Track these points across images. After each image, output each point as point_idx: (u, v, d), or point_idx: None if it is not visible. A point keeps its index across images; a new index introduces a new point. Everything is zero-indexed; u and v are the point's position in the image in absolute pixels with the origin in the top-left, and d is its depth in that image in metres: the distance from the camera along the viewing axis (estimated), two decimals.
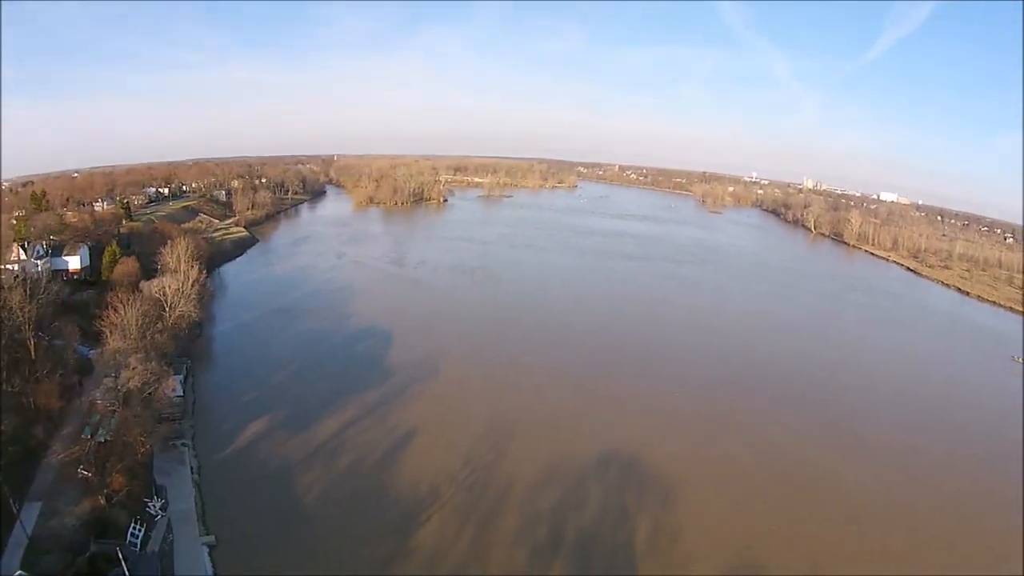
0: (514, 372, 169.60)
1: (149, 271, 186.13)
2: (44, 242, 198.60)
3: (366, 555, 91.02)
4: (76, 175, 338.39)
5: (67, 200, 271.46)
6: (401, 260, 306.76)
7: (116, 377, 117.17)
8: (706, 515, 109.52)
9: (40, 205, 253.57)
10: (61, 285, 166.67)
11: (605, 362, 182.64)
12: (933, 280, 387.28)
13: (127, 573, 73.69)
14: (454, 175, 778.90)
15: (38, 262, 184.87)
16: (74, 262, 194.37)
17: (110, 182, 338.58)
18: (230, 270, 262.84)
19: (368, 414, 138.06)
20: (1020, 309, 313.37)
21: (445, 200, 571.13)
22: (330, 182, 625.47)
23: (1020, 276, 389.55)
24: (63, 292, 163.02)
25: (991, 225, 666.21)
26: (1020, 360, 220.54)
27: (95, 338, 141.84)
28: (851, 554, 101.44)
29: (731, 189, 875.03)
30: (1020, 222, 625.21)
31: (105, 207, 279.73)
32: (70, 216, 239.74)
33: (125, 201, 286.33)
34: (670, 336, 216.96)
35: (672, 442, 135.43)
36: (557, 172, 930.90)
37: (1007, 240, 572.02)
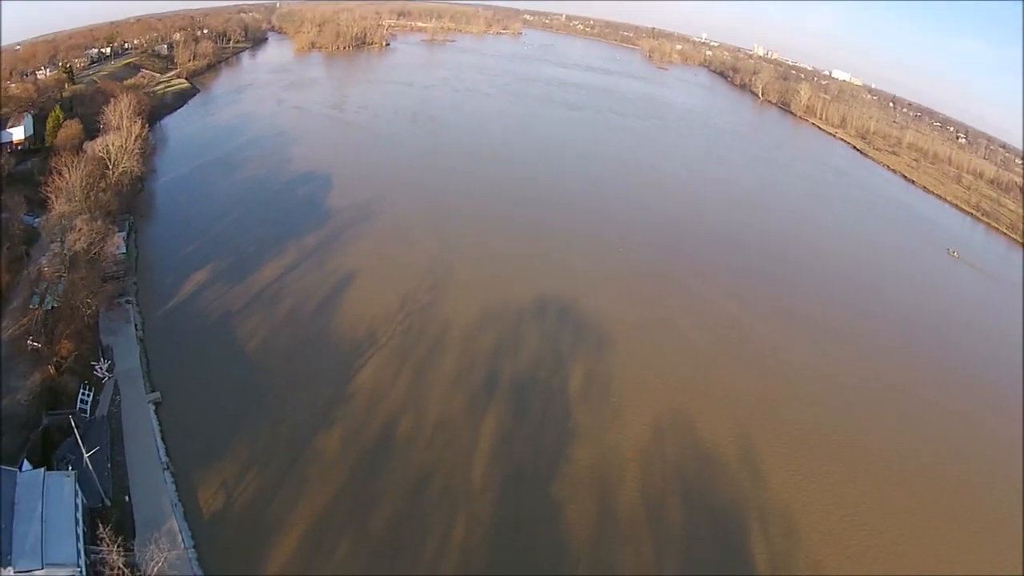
0: (454, 219, 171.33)
1: (92, 132, 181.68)
2: None
3: (306, 401, 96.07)
4: (19, 47, 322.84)
5: (10, 73, 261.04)
6: (341, 105, 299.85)
7: (62, 242, 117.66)
8: (639, 367, 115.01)
9: None
10: (6, 157, 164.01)
11: (547, 213, 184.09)
12: (879, 163, 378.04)
13: (79, 441, 76.38)
14: (397, 19, 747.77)
15: None
16: (18, 133, 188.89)
17: (53, 49, 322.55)
18: (171, 122, 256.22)
19: (307, 259, 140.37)
20: (966, 208, 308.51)
21: (387, 44, 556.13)
22: (272, 29, 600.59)
23: (969, 177, 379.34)
24: (8, 164, 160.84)
25: (944, 122, 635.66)
26: (955, 254, 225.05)
27: (41, 206, 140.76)
28: (780, 416, 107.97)
29: (679, 47, 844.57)
30: (974, 124, 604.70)
31: (48, 74, 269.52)
32: (14, 88, 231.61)
33: (67, 65, 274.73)
34: (615, 192, 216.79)
35: (609, 295, 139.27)
36: (502, 19, 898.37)
37: (959, 139, 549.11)
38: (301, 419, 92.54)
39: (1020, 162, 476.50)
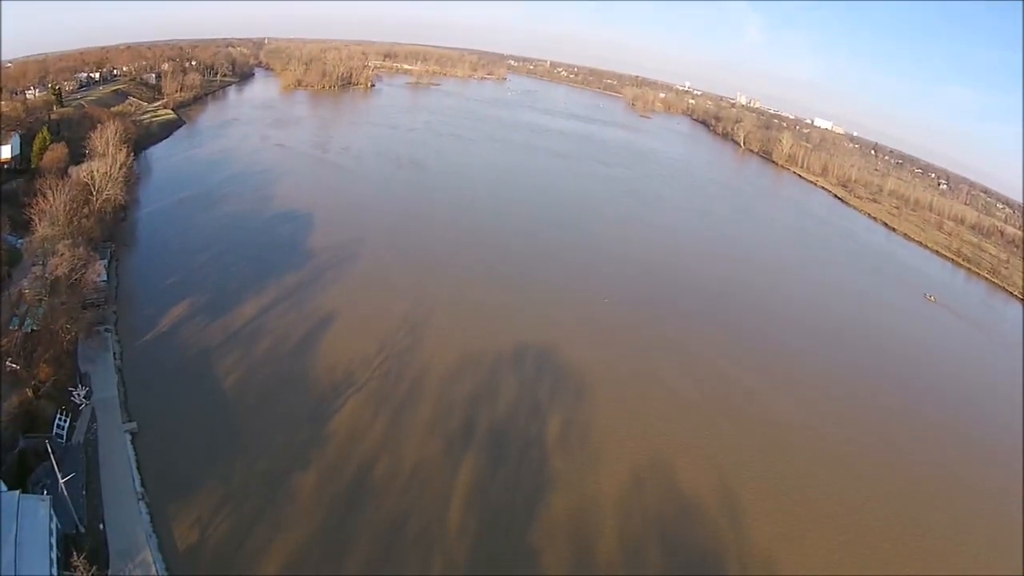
0: (434, 264, 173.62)
1: (78, 156, 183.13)
2: None
3: (283, 440, 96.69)
4: (9, 64, 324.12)
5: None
6: (325, 145, 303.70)
7: (44, 265, 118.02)
8: (617, 416, 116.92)
9: None
10: None
11: (527, 261, 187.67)
12: (861, 211, 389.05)
13: (55, 466, 75.93)
14: (383, 61, 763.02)
15: None
16: (5, 151, 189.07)
17: (43, 69, 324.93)
18: (156, 152, 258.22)
19: (287, 298, 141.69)
20: (947, 254, 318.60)
21: (373, 85, 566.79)
22: (260, 65, 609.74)
23: (950, 223, 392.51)
24: None
25: (925, 168, 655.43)
26: (932, 298, 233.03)
27: (24, 227, 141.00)
28: (763, 466, 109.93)
29: (662, 95, 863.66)
30: (956, 171, 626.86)
31: (37, 95, 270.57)
32: (2, 106, 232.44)
33: (57, 87, 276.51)
34: (597, 241, 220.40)
35: (589, 345, 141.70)
36: (487, 64, 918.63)
37: (941, 186, 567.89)
38: (277, 458, 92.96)
39: (1003, 207, 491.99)
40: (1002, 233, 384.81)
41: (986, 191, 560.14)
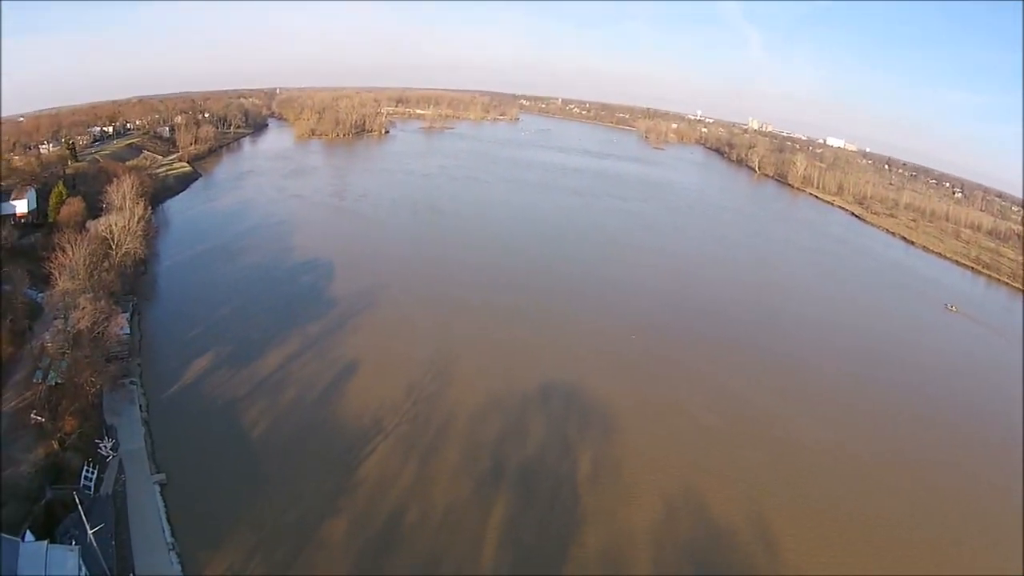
0: (456, 308, 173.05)
1: (95, 210, 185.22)
2: None
3: (312, 489, 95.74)
4: (22, 119, 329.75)
5: (13, 145, 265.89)
6: (342, 194, 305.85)
7: (66, 319, 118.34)
8: (648, 450, 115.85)
9: None
10: (9, 230, 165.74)
11: (549, 300, 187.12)
12: (878, 227, 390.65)
13: (83, 517, 75.19)
14: (396, 107, 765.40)
15: None
16: (21, 206, 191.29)
17: (55, 124, 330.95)
18: (174, 205, 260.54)
19: (311, 347, 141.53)
20: (966, 263, 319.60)
21: (387, 132, 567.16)
22: (272, 115, 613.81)
23: (968, 231, 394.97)
24: (11, 237, 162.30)
25: (940, 178, 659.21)
26: (953, 308, 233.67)
27: (44, 281, 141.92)
28: (794, 490, 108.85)
29: (675, 126, 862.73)
30: (970, 177, 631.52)
31: (51, 149, 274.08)
32: (16, 160, 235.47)
33: (70, 142, 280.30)
34: (617, 275, 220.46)
35: (614, 379, 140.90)
36: (499, 104, 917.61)
37: (956, 194, 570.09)
38: (307, 506, 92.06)
39: (1018, 209, 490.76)
40: (1019, 236, 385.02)
41: (1000, 195, 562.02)
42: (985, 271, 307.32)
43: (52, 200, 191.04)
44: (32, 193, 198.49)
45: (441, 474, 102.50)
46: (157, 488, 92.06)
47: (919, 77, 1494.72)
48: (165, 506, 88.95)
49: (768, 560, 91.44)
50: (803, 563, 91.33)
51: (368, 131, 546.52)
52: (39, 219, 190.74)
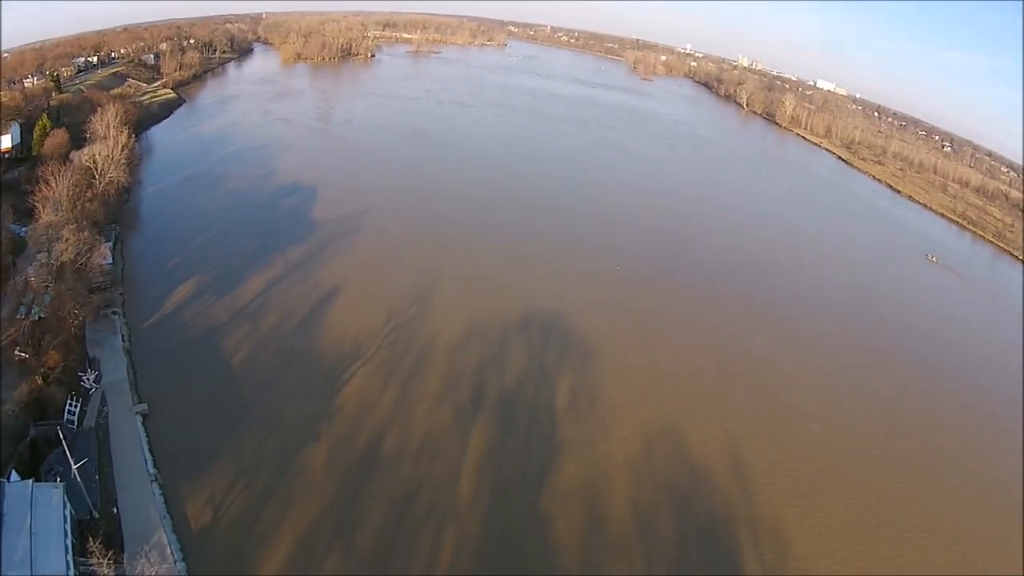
0: (439, 233, 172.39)
1: (79, 141, 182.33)
2: None
3: (292, 415, 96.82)
4: (6, 55, 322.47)
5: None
6: (327, 117, 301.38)
7: (49, 252, 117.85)
8: (628, 382, 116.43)
9: None
10: None
11: (533, 228, 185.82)
12: (865, 173, 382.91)
13: (67, 452, 76.42)
14: (382, 31, 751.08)
15: None
16: (5, 141, 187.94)
17: (40, 57, 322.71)
18: (157, 132, 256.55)
19: (292, 272, 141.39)
20: (952, 217, 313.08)
21: (373, 56, 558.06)
22: (259, 40, 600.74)
23: (955, 185, 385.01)
24: None
25: (929, 131, 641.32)
26: (933, 259, 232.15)
27: (28, 215, 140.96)
28: (774, 429, 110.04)
29: (664, 58, 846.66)
30: (961, 134, 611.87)
31: (35, 82, 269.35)
32: (1, 96, 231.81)
33: (55, 74, 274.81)
34: (602, 207, 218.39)
35: (597, 311, 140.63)
36: (487, 30, 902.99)
37: (945, 148, 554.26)
38: (288, 433, 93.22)
39: (1007, 170, 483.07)
40: (1007, 197, 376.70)
41: (990, 155, 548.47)
42: (971, 227, 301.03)
43: (36, 133, 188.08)
44: (16, 128, 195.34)
45: (421, 401, 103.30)
46: (139, 419, 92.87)
47: (917, 33, 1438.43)
48: (147, 437, 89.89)
49: (743, 499, 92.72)
50: (776, 503, 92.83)
51: (354, 55, 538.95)
52: (23, 153, 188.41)
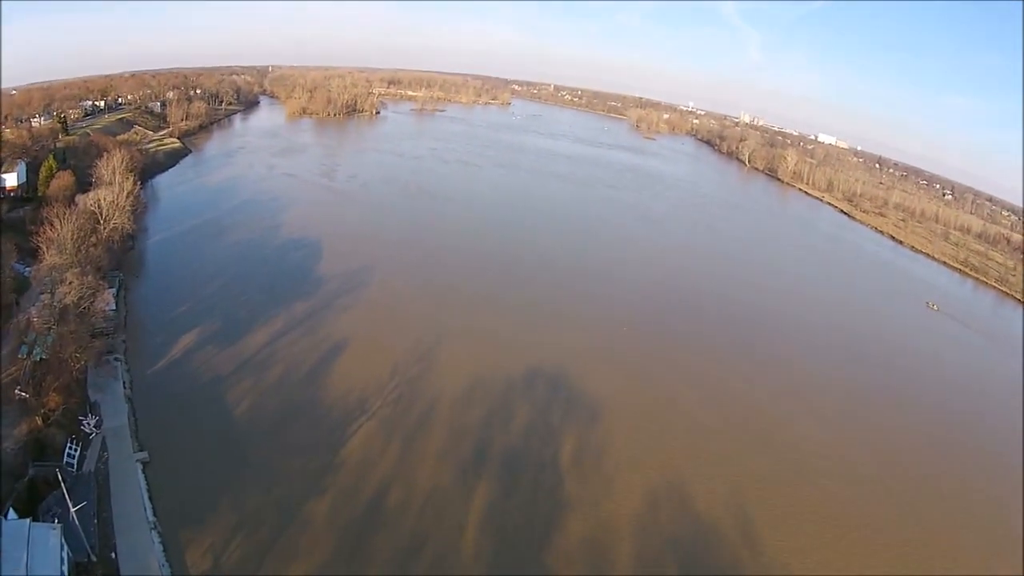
0: (444, 291, 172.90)
1: (85, 184, 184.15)
2: None
3: (296, 468, 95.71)
4: (14, 92, 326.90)
5: (5, 117, 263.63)
6: (332, 173, 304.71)
7: (52, 293, 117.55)
8: (635, 441, 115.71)
9: None
10: None
11: (538, 288, 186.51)
12: (867, 225, 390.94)
13: (66, 494, 75.57)
14: (388, 88, 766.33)
15: None
16: (11, 179, 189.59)
17: (47, 97, 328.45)
18: (163, 181, 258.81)
19: (297, 326, 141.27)
20: (954, 265, 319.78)
21: (378, 112, 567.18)
22: (264, 93, 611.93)
23: (957, 233, 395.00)
24: (0, 210, 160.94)
25: (930, 180, 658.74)
26: (934, 307, 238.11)
27: (31, 255, 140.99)
28: (782, 489, 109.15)
29: (666, 116, 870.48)
30: (960, 179, 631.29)
31: (42, 122, 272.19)
32: (8, 133, 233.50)
33: (62, 115, 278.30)
34: (607, 267, 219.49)
35: (604, 371, 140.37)
36: (491, 89, 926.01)
37: (946, 196, 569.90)
38: (290, 485, 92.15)
39: (1008, 214, 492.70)
40: (1008, 240, 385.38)
41: (991, 199, 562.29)
42: (973, 274, 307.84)
43: (42, 173, 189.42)
44: (22, 166, 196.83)
45: (425, 456, 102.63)
46: (139, 466, 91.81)
47: (914, 81, 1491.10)
48: (147, 484, 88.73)
49: (751, 555, 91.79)
50: (785, 558, 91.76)
51: (359, 111, 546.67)
52: (28, 192, 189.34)
